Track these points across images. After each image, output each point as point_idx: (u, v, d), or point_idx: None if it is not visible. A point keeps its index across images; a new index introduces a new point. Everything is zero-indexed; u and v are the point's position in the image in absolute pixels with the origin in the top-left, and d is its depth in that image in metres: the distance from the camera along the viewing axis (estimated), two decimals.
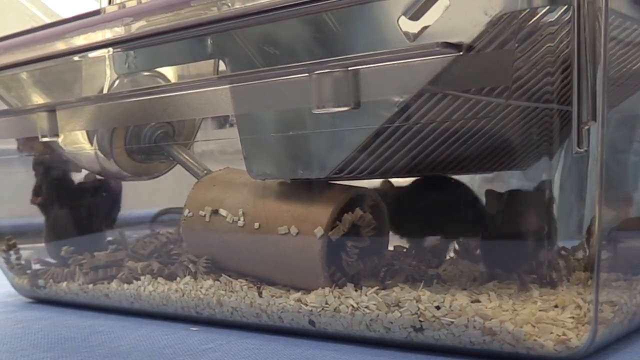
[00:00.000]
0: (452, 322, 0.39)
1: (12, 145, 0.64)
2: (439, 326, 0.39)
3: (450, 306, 0.39)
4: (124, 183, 0.63)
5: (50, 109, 0.54)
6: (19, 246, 0.65)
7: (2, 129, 0.60)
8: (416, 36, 0.38)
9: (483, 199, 0.43)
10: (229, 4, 0.43)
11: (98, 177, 0.63)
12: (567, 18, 0.35)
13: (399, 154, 0.42)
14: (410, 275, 0.44)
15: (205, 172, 0.54)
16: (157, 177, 0.60)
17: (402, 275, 0.43)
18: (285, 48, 0.43)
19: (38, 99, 0.60)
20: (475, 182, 0.49)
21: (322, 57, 0.40)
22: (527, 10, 0.35)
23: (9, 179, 0.67)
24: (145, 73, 0.56)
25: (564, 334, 0.36)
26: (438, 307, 0.39)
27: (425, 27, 0.37)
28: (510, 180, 0.44)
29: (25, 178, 0.66)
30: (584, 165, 0.36)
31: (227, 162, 0.54)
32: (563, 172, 0.38)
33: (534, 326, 0.37)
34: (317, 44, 0.42)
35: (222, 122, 0.58)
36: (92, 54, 0.52)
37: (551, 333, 0.36)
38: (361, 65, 0.38)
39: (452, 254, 0.47)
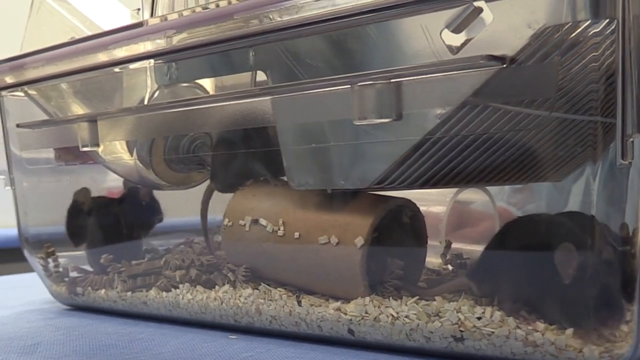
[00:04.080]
0: (493, 333, 0.39)
1: (51, 154, 0.65)
2: (480, 336, 0.39)
3: (492, 316, 0.39)
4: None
5: (92, 119, 0.55)
6: (57, 254, 0.66)
7: (43, 139, 0.61)
8: (459, 49, 0.38)
9: None
10: (271, 17, 0.43)
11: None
12: (611, 29, 0.35)
13: (439, 165, 0.42)
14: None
15: None
16: (194, 186, 0.61)
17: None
18: (327, 60, 0.44)
19: (78, 109, 0.61)
20: (504, 191, 0.49)
21: (364, 69, 0.41)
22: (571, 23, 0.36)
23: (48, 187, 0.68)
24: (184, 84, 0.56)
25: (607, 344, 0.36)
26: (479, 318, 0.40)
27: (468, 40, 0.38)
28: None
29: (62, 187, 0.67)
30: (623, 176, 0.36)
31: None
32: (599, 183, 0.38)
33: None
34: (359, 56, 0.43)
35: None
36: (133, 65, 0.53)
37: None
38: (404, 77, 0.39)
39: None
